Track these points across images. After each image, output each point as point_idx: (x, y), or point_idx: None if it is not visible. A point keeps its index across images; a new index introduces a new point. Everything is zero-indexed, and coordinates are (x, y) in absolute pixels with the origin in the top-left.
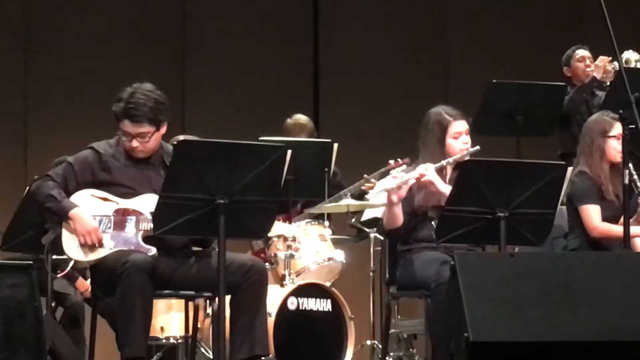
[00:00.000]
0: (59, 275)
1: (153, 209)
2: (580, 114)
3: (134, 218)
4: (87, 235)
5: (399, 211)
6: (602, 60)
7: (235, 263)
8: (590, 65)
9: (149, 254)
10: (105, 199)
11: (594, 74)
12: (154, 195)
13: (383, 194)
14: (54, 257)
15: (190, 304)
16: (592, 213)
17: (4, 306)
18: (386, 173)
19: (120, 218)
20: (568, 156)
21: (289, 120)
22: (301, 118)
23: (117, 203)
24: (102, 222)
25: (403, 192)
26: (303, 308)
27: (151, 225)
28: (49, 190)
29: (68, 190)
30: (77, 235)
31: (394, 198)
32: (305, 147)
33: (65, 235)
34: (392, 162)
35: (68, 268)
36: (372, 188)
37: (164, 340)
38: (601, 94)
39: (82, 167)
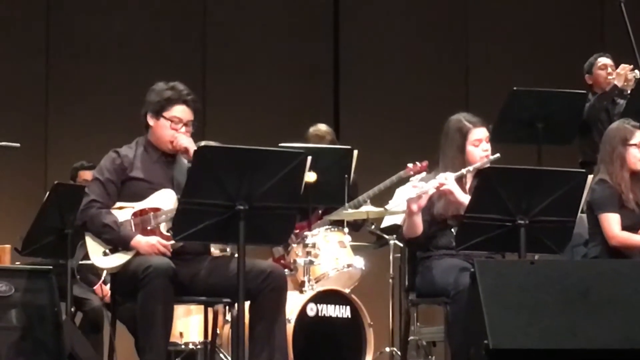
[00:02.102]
0: (96, 287)
1: (169, 203)
2: (601, 121)
3: (151, 214)
4: (155, 251)
5: (418, 220)
6: (624, 68)
7: (255, 269)
8: (612, 73)
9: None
10: (121, 208)
11: (615, 82)
12: (168, 190)
13: (403, 202)
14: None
15: (210, 309)
16: (611, 221)
17: (24, 311)
18: (406, 178)
19: (140, 219)
20: (589, 164)
21: (310, 130)
22: (320, 128)
23: (133, 207)
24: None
25: (423, 201)
26: (322, 314)
27: (170, 215)
28: (103, 219)
29: (113, 201)
30: (149, 255)
31: (414, 207)
32: (325, 154)
33: (90, 245)
34: (410, 165)
35: (103, 277)
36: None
37: (183, 346)
38: (622, 102)
39: (115, 173)
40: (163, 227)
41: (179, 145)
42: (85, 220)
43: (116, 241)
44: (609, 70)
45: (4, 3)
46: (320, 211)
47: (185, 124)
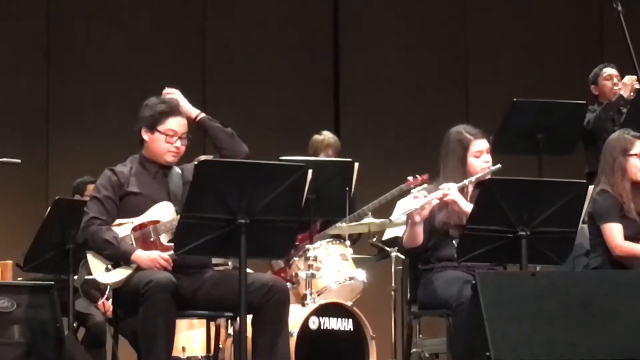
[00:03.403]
0: (99, 303)
1: (167, 214)
2: (607, 132)
3: (150, 227)
4: (156, 265)
5: (420, 230)
6: (631, 78)
7: (257, 283)
8: (618, 83)
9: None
10: (120, 224)
11: (622, 92)
12: (165, 203)
13: (405, 214)
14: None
15: (212, 323)
16: (614, 231)
17: (27, 327)
18: (406, 191)
19: (140, 232)
20: (595, 175)
21: (316, 137)
22: (329, 135)
23: (132, 222)
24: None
25: (426, 212)
26: (324, 327)
27: (169, 226)
28: (104, 235)
29: (113, 218)
30: (150, 270)
31: (417, 218)
32: (326, 167)
33: (92, 262)
34: (410, 178)
35: (106, 293)
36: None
37: None
38: None
39: (112, 190)
40: (163, 238)
41: None
42: (86, 238)
43: (117, 256)
44: (615, 80)
45: (5, 20)
46: (319, 223)
47: (180, 137)
